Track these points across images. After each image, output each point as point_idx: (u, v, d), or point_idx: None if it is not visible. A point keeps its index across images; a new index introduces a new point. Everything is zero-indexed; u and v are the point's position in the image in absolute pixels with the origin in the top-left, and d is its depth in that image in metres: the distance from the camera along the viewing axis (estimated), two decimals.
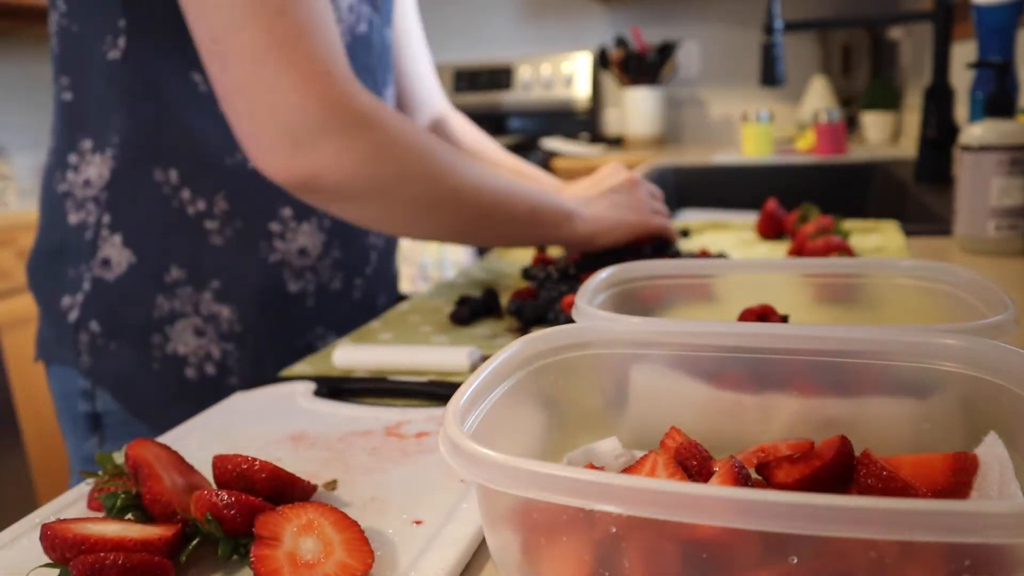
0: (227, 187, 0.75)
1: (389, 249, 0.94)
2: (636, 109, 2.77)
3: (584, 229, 0.80)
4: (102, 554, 0.32)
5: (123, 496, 0.37)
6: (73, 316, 0.77)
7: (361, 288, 0.87)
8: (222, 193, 0.75)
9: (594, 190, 0.86)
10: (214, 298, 0.77)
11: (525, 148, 2.67)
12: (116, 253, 0.75)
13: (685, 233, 1.05)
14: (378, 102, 0.67)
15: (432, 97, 1.04)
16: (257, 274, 0.77)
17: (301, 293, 0.80)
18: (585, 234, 0.80)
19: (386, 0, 0.87)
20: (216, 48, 0.63)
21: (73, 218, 0.76)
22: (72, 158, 0.76)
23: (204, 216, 0.75)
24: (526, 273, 0.86)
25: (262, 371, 0.79)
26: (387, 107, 0.68)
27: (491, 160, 1.04)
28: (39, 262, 0.80)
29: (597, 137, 2.97)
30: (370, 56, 0.82)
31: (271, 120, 0.62)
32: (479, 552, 0.37)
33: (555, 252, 0.97)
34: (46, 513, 0.40)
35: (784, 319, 0.50)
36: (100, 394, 0.78)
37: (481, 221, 0.74)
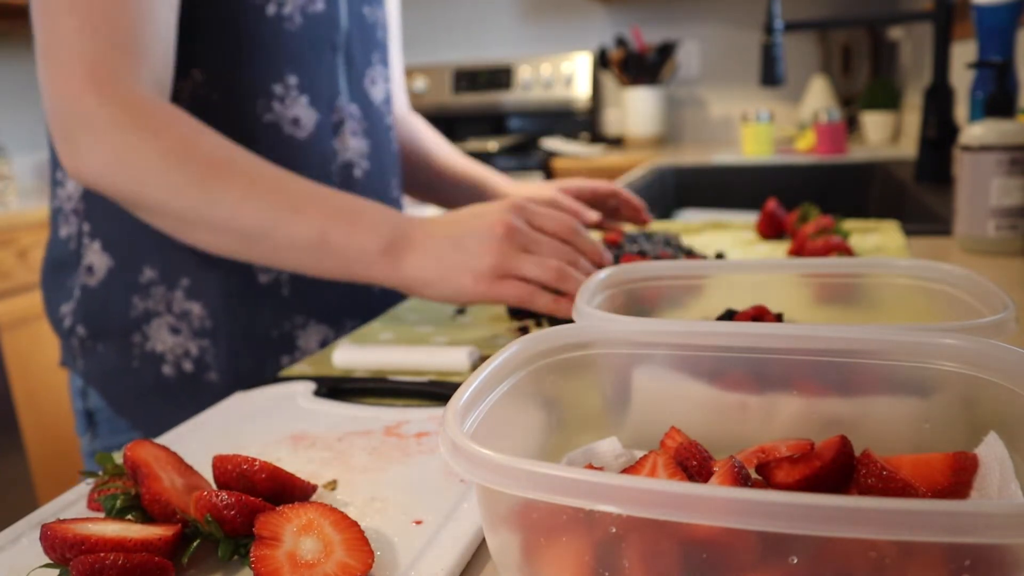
0: None
1: None
2: (636, 109, 2.77)
3: (402, 274, 0.64)
4: (102, 554, 0.32)
5: (123, 497, 0.36)
6: (68, 323, 0.80)
7: None
8: None
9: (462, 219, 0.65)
10: (185, 296, 0.77)
11: (525, 148, 2.67)
12: (97, 259, 0.77)
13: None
14: (144, 103, 0.63)
15: (396, 96, 1.02)
16: (224, 269, 0.77)
17: (274, 283, 0.79)
18: (404, 279, 0.64)
19: None
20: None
21: (63, 231, 0.80)
22: (58, 174, 0.79)
23: None
24: None
25: (240, 365, 0.79)
26: (157, 109, 0.64)
27: (444, 165, 1.03)
28: (45, 276, 0.83)
29: (597, 137, 2.97)
30: (335, 34, 0.80)
31: (49, 117, 0.65)
32: (479, 552, 0.37)
33: None
34: (46, 513, 0.40)
35: (778, 317, 0.50)
36: (91, 392, 0.81)
37: (254, 245, 0.65)
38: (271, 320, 0.80)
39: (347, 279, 0.66)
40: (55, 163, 0.79)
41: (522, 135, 2.86)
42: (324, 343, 0.84)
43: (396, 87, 1.02)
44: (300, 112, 0.78)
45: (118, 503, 0.36)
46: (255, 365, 0.80)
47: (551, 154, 2.54)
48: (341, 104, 0.81)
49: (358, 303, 0.86)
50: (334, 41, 0.80)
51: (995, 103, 0.87)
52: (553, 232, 0.66)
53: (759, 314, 0.49)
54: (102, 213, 0.76)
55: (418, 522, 0.38)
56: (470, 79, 3.00)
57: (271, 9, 0.74)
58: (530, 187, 0.98)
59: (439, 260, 0.63)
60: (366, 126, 0.85)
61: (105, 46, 0.63)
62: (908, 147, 2.09)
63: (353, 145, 0.83)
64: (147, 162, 0.63)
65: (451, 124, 3.00)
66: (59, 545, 0.33)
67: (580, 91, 2.89)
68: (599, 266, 0.66)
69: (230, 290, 0.78)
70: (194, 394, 0.79)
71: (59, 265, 0.80)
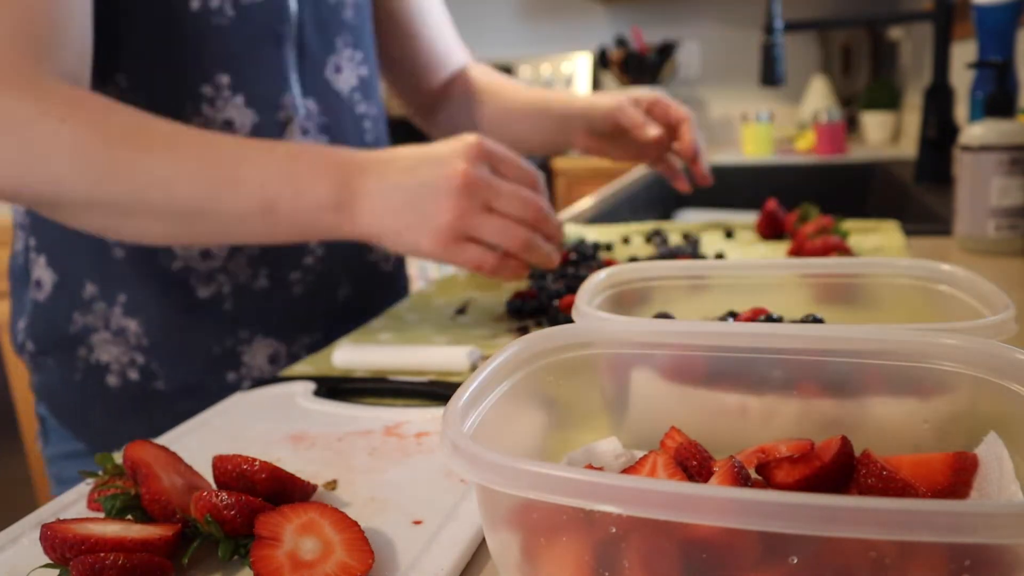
0: None
1: None
2: None
3: (360, 229, 0.61)
4: (102, 554, 0.32)
5: (123, 497, 0.36)
6: (21, 338, 0.80)
7: (303, 282, 0.79)
8: None
9: (410, 169, 0.61)
10: (122, 312, 0.74)
11: None
12: (43, 274, 0.76)
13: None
14: (43, 90, 0.58)
15: (450, 55, 0.99)
16: (161, 284, 0.74)
17: (215, 297, 0.75)
18: (362, 234, 0.62)
19: None
20: None
21: (17, 245, 0.79)
22: None
23: None
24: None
25: (188, 373, 0.76)
26: (59, 93, 0.58)
27: (513, 97, 0.97)
28: (10, 291, 0.83)
29: None
30: (281, 24, 0.74)
31: None
32: (479, 552, 0.37)
33: None
34: (46, 513, 0.40)
35: (778, 320, 0.50)
36: (39, 402, 0.82)
37: (198, 225, 0.61)
38: (212, 336, 0.76)
39: (307, 240, 0.63)
40: None
41: None
42: (274, 359, 0.79)
43: (445, 42, 0.98)
44: (233, 114, 0.72)
45: (118, 503, 0.36)
46: (197, 381, 0.77)
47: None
48: (289, 101, 0.75)
49: (313, 315, 0.80)
50: (280, 32, 0.74)
51: (995, 103, 0.87)
52: (517, 179, 0.63)
53: (758, 316, 0.49)
54: (45, 227, 0.74)
55: (418, 522, 0.38)
56: None
57: (195, 4, 0.69)
58: (605, 97, 0.90)
59: (394, 213, 0.60)
60: (325, 121, 0.79)
61: (8, 42, 0.58)
62: (908, 147, 2.09)
63: (305, 143, 0.76)
64: (59, 152, 0.56)
65: None
66: (59, 545, 0.33)
67: (580, 91, 2.89)
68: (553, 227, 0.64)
69: (168, 305, 0.74)
70: (141, 403, 0.76)
71: (15, 279, 0.80)
